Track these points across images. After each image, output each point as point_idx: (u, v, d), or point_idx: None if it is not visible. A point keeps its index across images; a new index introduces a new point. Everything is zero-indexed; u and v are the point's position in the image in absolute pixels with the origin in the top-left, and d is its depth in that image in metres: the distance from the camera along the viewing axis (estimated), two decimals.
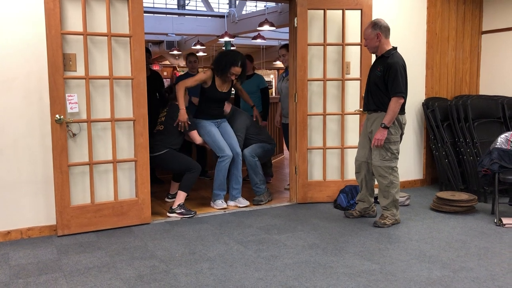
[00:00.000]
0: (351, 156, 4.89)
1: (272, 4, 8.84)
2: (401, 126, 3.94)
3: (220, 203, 4.62)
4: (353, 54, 4.81)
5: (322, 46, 4.69)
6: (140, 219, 4.08)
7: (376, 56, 4.02)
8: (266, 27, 8.54)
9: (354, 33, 4.77)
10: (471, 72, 5.94)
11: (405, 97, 3.82)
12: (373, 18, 4.68)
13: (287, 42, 5.14)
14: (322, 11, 4.64)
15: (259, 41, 10.24)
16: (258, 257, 3.28)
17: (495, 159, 4.19)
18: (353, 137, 4.89)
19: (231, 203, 4.72)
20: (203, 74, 4.52)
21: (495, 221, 4.04)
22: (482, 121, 5.18)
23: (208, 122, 4.64)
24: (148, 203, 4.10)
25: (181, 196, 4.39)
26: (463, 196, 4.50)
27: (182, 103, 4.38)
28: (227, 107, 6.00)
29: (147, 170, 4.08)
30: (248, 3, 10.71)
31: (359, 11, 4.67)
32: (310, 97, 4.76)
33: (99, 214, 3.92)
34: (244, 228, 3.97)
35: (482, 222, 4.10)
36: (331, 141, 4.86)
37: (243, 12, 10.58)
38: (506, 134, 4.34)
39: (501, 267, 3.06)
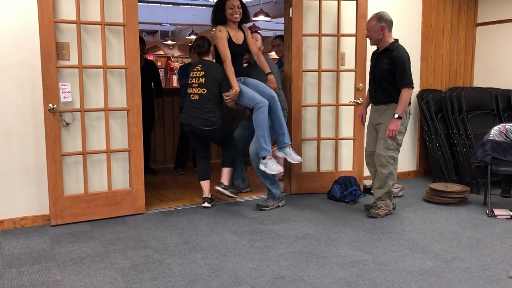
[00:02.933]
0: (345, 147, 4.90)
1: None
2: (407, 117, 4.00)
3: (275, 167, 4.04)
4: (348, 45, 4.80)
5: (317, 37, 4.68)
6: (134, 209, 4.07)
7: (378, 48, 4.03)
8: (261, 17, 8.50)
9: (349, 24, 4.75)
10: (465, 64, 5.95)
11: (413, 88, 3.90)
12: (368, 9, 4.68)
13: (282, 32, 5.11)
14: (318, 1, 4.62)
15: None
16: (251, 247, 3.29)
17: (488, 151, 4.21)
18: (347, 128, 4.89)
19: (279, 153, 4.24)
20: (218, 33, 4.07)
21: (487, 212, 4.08)
22: (475, 113, 5.20)
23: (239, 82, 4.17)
24: (142, 193, 4.10)
25: (230, 172, 4.35)
26: (456, 187, 4.53)
27: (236, 83, 4.01)
28: None
29: (141, 160, 4.06)
30: None
31: (355, 2, 4.65)
32: (305, 88, 4.75)
33: (92, 204, 3.91)
34: (238, 218, 3.98)
35: (475, 213, 4.13)
36: (325, 132, 4.86)
37: None
38: (499, 126, 4.36)
39: (492, 258, 3.09)
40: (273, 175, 4.24)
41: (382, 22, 3.89)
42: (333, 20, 4.73)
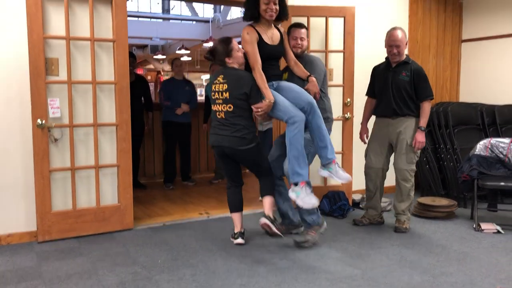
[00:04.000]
0: None
1: None
2: None
3: (308, 199, 3.30)
4: (336, 61, 4.86)
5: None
6: (122, 225, 4.05)
7: (390, 63, 4.03)
8: None
9: (337, 40, 4.82)
10: (451, 80, 6.05)
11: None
12: (356, 26, 4.76)
13: None
14: (306, 18, 4.68)
15: None
16: (240, 263, 3.28)
17: (474, 166, 4.27)
18: (336, 143, 4.89)
19: (323, 172, 3.50)
20: (246, 35, 3.41)
21: (474, 226, 4.12)
22: (462, 127, 5.28)
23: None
24: (130, 209, 4.08)
25: (273, 201, 3.66)
26: (443, 201, 4.57)
27: (269, 93, 3.35)
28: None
29: (130, 175, 4.05)
30: (233, 8, 10.72)
31: (342, 19, 4.73)
32: None
33: (80, 220, 3.88)
34: (228, 234, 3.97)
35: (462, 228, 4.17)
36: None
37: (228, 18, 10.61)
38: (485, 141, 4.43)
39: (479, 272, 3.12)
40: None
41: (406, 37, 3.98)
42: (321, 36, 4.79)
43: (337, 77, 4.90)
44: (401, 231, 4.01)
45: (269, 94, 3.33)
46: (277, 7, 3.43)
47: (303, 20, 4.69)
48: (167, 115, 5.92)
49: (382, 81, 4.07)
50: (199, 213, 4.64)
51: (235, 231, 3.72)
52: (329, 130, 3.75)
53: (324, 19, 4.73)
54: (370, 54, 4.97)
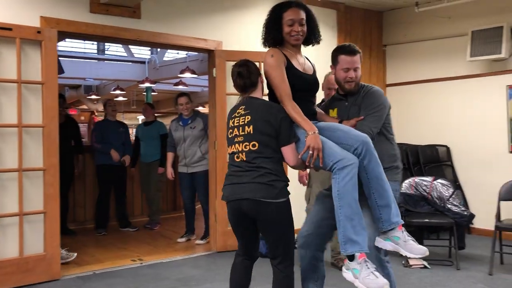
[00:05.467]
0: None
1: (195, 52, 9.01)
2: None
3: (371, 280, 2.26)
4: None
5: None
6: (48, 276, 3.81)
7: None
8: (187, 75, 8.64)
9: None
10: None
11: None
12: None
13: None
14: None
15: (181, 87, 10.31)
16: None
17: (401, 203, 4.48)
18: None
19: (385, 244, 2.49)
20: (270, 58, 2.50)
21: (403, 262, 4.27)
22: None
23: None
24: (57, 258, 3.86)
25: None
26: None
27: (309, 123, 2.41)
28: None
29: (57, 222, 3.86)
30: (169, 49, 10.81)
31: None
32: None
33: (2, 272, 3.61)
34: (161, 281, 3.85)
35: (392, 264, 4.29)
36: None
37: (165, 59, 10.64)
38: (410, 179, 4.68)
39: None
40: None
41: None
42: None
43: None
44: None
45: (309, 124, 2.39)
46: (304, 28, 2.55)
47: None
48: (100, 159, 5.76)
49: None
50: (131, 260, 4.47)
51: None
52: (397, 185, 2.73)
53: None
54: None
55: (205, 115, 5.22)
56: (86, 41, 10.08)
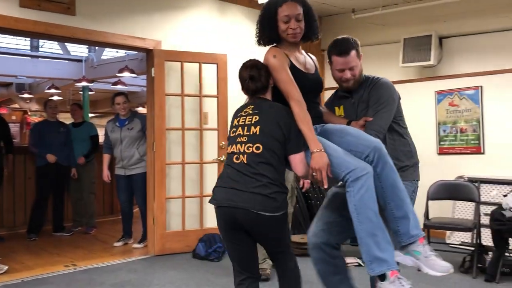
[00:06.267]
0: (210, 204, 4.94)
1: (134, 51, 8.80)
2: None
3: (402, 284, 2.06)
4: (211, 105, 4.98)
5: (180, 97, 4.78)
6: None
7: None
8: (126, 74, 8.43)
9: (211, 85, 4.96)
10: None
11: None
12: (229, 72, 4.96)
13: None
14: (180, 63, 4.76)
15: (119, 87, 10.03)
16: None
17: None
18: (212, 185, 4.95)
19: (405, 259, 2.22)
20: (272, 59, 2.30)
21: None
22: None
23: None
24: None
25: None
26: None
27: (316, 142, 2.17)
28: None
29: None
30: (107, 48, 10.48)
31: (215, 65, 4.90)
32: (169, 146, 4.77)
33: None
34: (95, 286, 3.72)
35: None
36: (190, 190, 4.88)
37: (103, 57, 10.31)
38: None
39: None
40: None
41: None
42: (195, 81, 4.90)
43: (212, 121, 5.01)
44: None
45: (314, 140, 2.16)
46: (302, 24, 2.33)
47: (176, 65, 4.78)
48: (42, 160, 5.49)
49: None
50: (64, 266, 4.29)
51: None
52: (414, 185, 2.50)
53: (197, 64, 4.85)
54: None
55: (143, 116, 5.12)
56: (18, 37, 9.56)
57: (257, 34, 2.41)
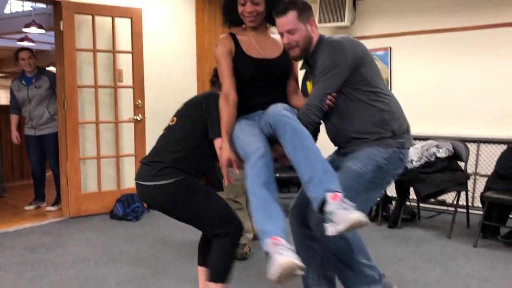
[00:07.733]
0: (127, 165, 4.85)
1: (42, 5, 8.15)
2: None
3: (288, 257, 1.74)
4: (126, 62, 4.80)
5: (92, 52, 4.55)
6: None
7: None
8: (33, 29, 7.82)
9: (125, 41, 4.76)
10: None
11: None
12: (144, 28, 4.78)
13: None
14: (91, 16, 4.51)
15: (26, 43, 9.30)
16: (20, 279, 2.98)
17: None
18: (128, 145, 4.86)
19: (329, 231, 1.82)
20: (216, 49, 2.27)
21: None
22: None
23: (242, 120, 2.22)
24: None
25: None
26: None
27: (224, 136, 2.13)
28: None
29: None
30: (12, 1, 9.61)
31: (129, 19, 4.69)
32: (81, 105, 4.56)
33: None
34: (5, 251, 3.55)
35: None
36: (105, 150, 4.74)
37: (6, 11, 9.47)
38: None
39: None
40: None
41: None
42: (109, 36, 4.68)
43: (126, 78, 4.84)
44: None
45: (223, 137, 2.12)
46: (259, 7, 2.22)
47: (88, 18, 4.52)
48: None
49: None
50: None
51: None
52: (389, 153, 2.12)
53: (110, 18, 4.62)
54: (159, 55, 5.07)
55: (52, 73, 4.82)
56: None
57: (222, 17, 2.38)
